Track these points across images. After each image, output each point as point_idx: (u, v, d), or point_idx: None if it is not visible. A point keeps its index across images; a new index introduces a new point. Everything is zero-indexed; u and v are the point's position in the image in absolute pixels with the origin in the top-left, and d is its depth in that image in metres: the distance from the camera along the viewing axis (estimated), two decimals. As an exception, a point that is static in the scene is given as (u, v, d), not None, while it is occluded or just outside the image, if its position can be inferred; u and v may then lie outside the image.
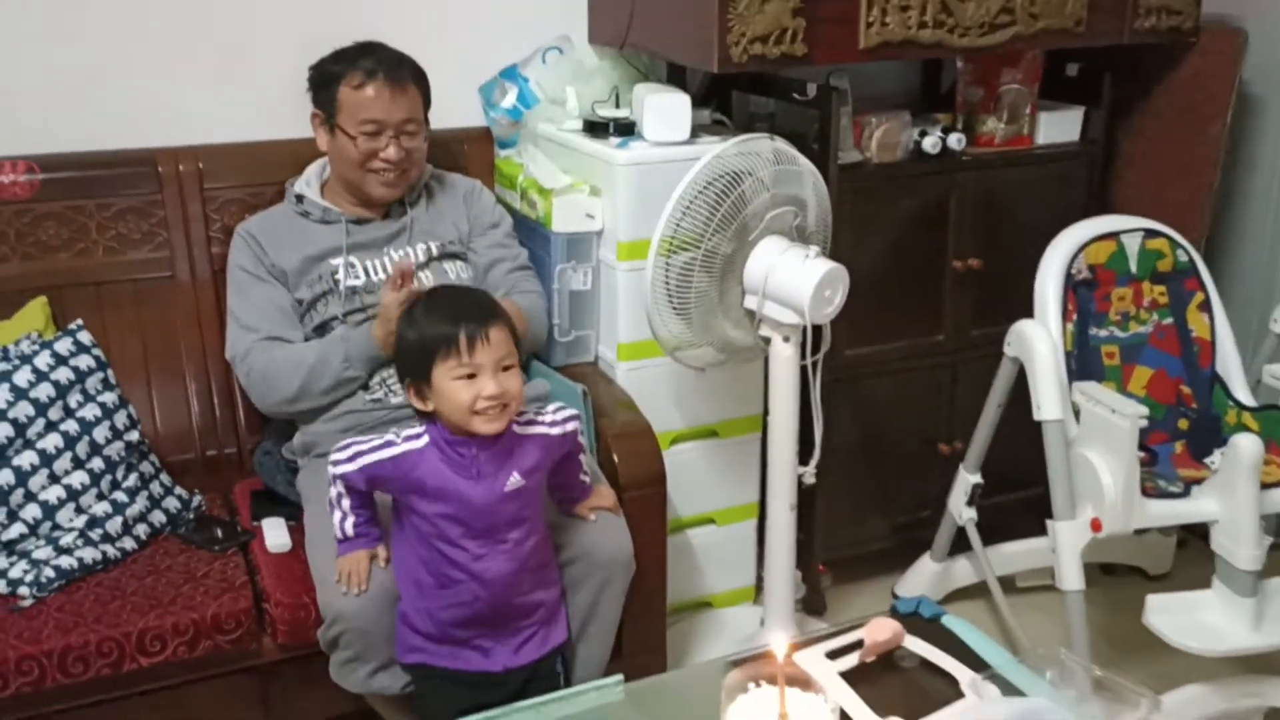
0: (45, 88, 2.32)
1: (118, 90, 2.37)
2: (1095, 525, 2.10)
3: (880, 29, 2.27)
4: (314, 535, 1.98)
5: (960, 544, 2.62)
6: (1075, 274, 2.32)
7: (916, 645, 1.61)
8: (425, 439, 1.77)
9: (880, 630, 1.58)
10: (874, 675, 1.58)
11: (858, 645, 1.61)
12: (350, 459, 1.78)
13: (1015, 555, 2.65)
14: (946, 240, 2.58)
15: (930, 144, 2.51)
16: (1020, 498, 2.66)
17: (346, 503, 1.82)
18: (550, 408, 1.91)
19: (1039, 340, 2.19)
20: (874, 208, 2.49)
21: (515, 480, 1.78)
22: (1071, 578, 2.13)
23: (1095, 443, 2.11)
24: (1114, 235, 2.37)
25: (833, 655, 1.61)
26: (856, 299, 2.40)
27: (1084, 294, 2.34)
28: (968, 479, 2.48)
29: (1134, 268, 2.38)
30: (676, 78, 2.62)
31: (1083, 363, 2.32)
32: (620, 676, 1.58)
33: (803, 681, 1.42)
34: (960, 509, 2.51)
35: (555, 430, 1.86)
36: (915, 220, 2.54)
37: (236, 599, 1.91)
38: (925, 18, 2.29)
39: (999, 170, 2.60)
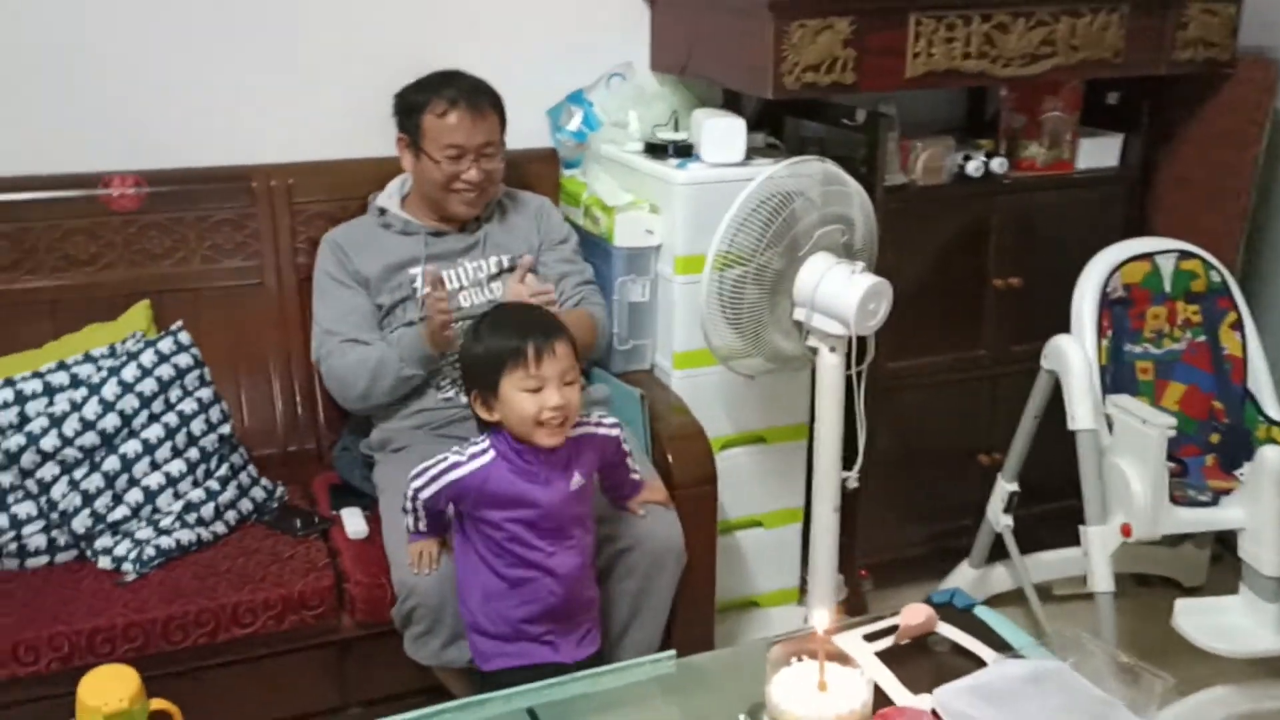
0: (154, 108, 2.52)
1: (218, 112, 2.57)
2: (1125, 530, 2.21)
3: (926, 59, 2.40)
4: (390, 523, 2.14)
5: (998, 551, 2.72)
6: (1110, 293, 2.44)
7: (948, 631, 1.73)
8: (492, 453, 1.88)
9: (914, 615, 1.70)
10: (908, 657, 1.70)
11: (893, 630, 1.73)
12: (428, 482, 1.88)
13: (1052, 563, 2.75)
14: (988, 259, 2.70)
15: (974, 168, 2.63)
16: (1058, 508, 2.75)
17: (420, 513, 1.95)
18: (595, 414, 2.05)
19: (1073, 354, 2.31)
20: (918, 227, 2.62)
21: (578, 480, 1.91)
22: (1102, 579, 2.24)
23: (1126, 452, 2.22)
24: (1149, 256, 2.48)
25: (870, 638, 1.73)
26: (900, 313, 2.53)
27: (1119, 312, 2.45)
28: (1005, 487, 2.59)
29: (1168, 287, 2.48)
30: (732, 103, 2.77)
31: (1117, 377, 2.43)
32: (673, 651, 1.71)
33: (840, 657, 1.55)
34: (998, 516, 2.61)
35: (602, 430, 1.98)
36: (958, 240, 2.67)
37: (320, 578, 2.07)
38: (969, 49, 2.42)
39: (1040, 193, 2.72)
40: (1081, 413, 2.26)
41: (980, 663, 1.66)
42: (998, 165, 2.66)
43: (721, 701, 1.59)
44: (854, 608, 2.79)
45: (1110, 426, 2.29)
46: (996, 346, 2.77)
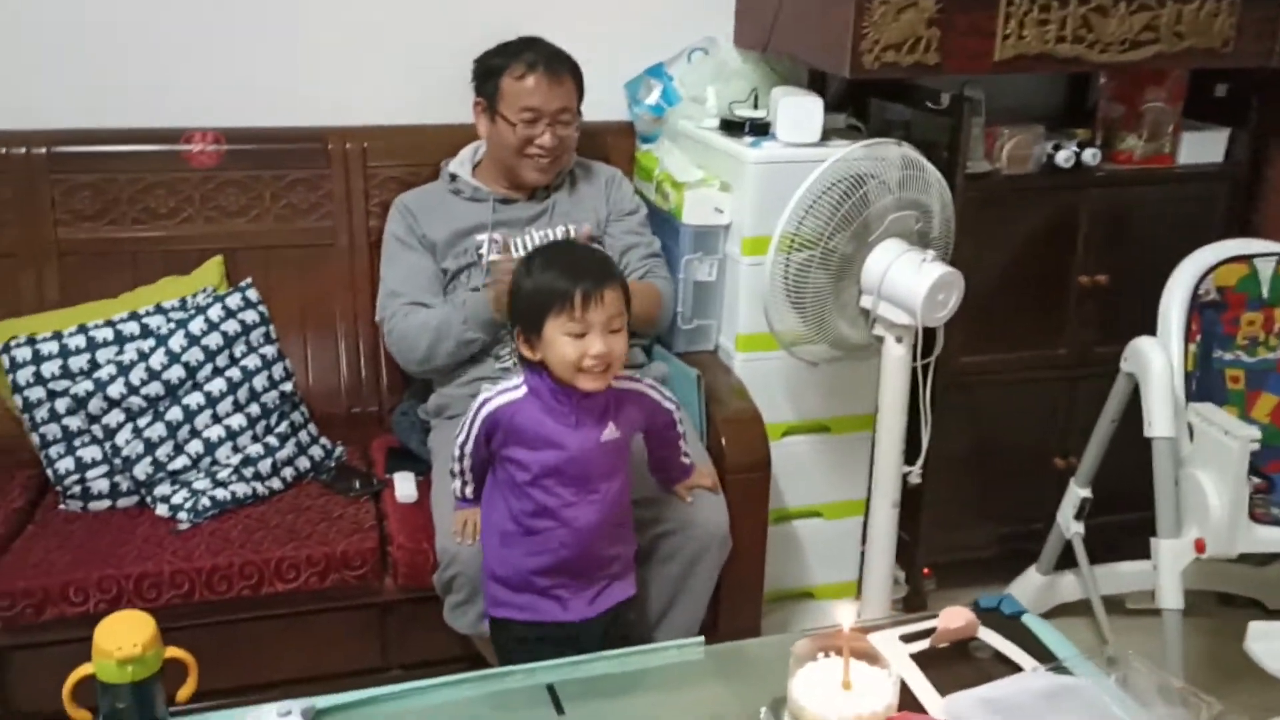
0: (236, 67, 2.56)
1: (298, 73, 2.59)
2: (1199, 546, 2.10)
3: (1017, 41, 2.30)
4: (439, 490, 2.14)
5: (1069, 559, 2.62)
6: (1203, 295, 2.31)
7: (991, 637, 1.65)
8: (524, 389, 1.85)
9: (954, 618, 1.63)
10: (946, 661, 1.63)
11: (932, 632, 1.67)
12: (466, 427, 1.88)
13: (1126, 575, 2.64)
14: (1074, 254, 2.59)
15: (1063, 158, 2.52)
16: (1136, 518, 2.61)
17: (466, 474, 1.95)
18: (653, 380, 2.00)
19: (1154, 357, 2.19)
20: (1001, 218, 2.52)
21: (611, 432, 1.86)
22: (1170, 595, 2.13)
23: (1205, 463, 2.10)
24: (1247, 258, 2.34)
25: (907, 639, 1.67)
26: (976, 306, 2.44)
27: (1210, 315, 2.32)
28: (1077, 493, 2.49)
29: (1266, 293, 2.34)
30: (817, 83, 2.70)
31: (1204, 384, 2.31)
32: (702, 638, 1.67)
33: (870, 656, 1.50)
34: (1068, 522, 2.51)
35: (655, 395, 1.94)
36: (1042, 233, 2.56)
37: (364, 539, 2.09)
38: (1064, 32, 2.31)
39: (1135, 188, 2.59)
40: (1159, 419, 2.15)
41: (1021, 671, 1.60)
42: (1090, 156, 2.54)
43: (746, 692, 1.55)
44: (914, 606, 2.72)
45: (1191, 435, 2.17)
46: (1079, 346, 2.66)
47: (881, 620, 1.71)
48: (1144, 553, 2.52)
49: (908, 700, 1.48)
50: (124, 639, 1.28)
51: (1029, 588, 2.68)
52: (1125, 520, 2.64)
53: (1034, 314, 2.62)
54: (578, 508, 1.86)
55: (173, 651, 1.34)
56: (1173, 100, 2.57)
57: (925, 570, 2.74)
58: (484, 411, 1.86)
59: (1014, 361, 2.64)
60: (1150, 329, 2.34)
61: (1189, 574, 2.62)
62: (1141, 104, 2.57)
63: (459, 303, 2.28)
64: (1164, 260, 2.40)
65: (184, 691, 1.37)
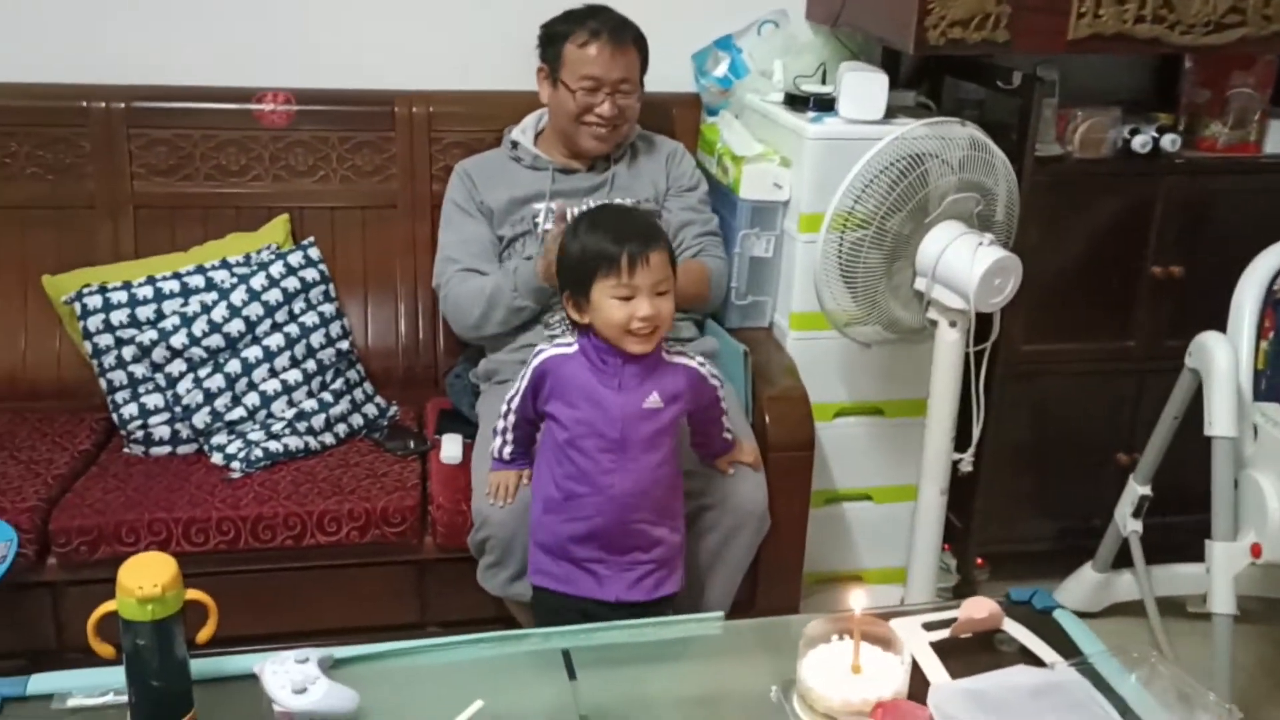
0: (308, 30, 2.61)
1: (367, 36, 2.63)
2: (1255, 551, 2.03)
3: (1093, 20, 2.22)
4: (481, 453, 2.17)
5: (1127, 558, 2.55)
6: (1278, 291, 2.21)
7: (1016, 630, 1.62)
8: (575, 347, 1.87)
9: (976, 608, 1.60)
10: (967, 652, 1.60)
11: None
12: (519, 383, 1.91)
13: (1184, 578, 2.54)
14: (1147, 244, 2.50)
15: (1140, 143, 2.43)
16: (1200, 520, 2.54)
17: (509, 432, 1.97)
18: (708, 365, 1.99)
19: (1219, 353, 2.11)
20: (1070, 203, 2.45)
21: (654, 400, 1.86)
22: (1222, 600, 2.06)
23: (1268, 466, 2.02)
24: (1329, 255, 2.23)
25: (930, 627, 1.64)
26: (1041, 294, 2.39)
27: (1285, 313, 2.22)
28: (1136, 490, 2.42)
29: (1348, 291, 2.24)
30: (890, 60, 2.65)
31: (1274, 384, 2.22)
32: (721, 613, 1.67)
33: (885, 641, 1.49)
34: (1125, 520, 2.44)
35: (703, 371, 1.93)
36: (1115, 220, 2.48)
37: (405, 497, 2.13)
38: (1144, 11, 2.23)
39: (1216, 176, 2.49)
40: (1220, 418, 2.07)
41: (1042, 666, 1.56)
42: (1169, 142, 2.44)
43: (759, 670, 1.55)
44: (965, 596, 2.66)
45: (1256, 436, 2.09)
46: (1148, 339, 2.57)
47: (902, 606, 1.68)
48: (1204, 555, 2.45)
49: (921, 688, 1.46)
50: (145, 579, 1.32)
51: (1083, 585, 2.62)
52: (1188, 521, 2.55)
53: (1102, 304, 2.54)
54: (614, 475, 1.86)
55: (193, 594, 1.38)
56: (1261, 87, 2.46)
57: (979, 560, 2.69)
58: (536, 361, 1.89)
59: (1079, 352, 2.57)
60: (1226, 324, 2.25)
61: (1258, 581, 2.53)
62: (1228, 89, 2.47)
63: (510, 270, 2.30)
64: (1244, 253, 2.30)
65: (203, 633, 1.41)
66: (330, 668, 1.47)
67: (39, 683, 1.43)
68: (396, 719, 1.44)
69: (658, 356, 1.88)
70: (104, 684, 1.42)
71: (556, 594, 1.93)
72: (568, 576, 1.91)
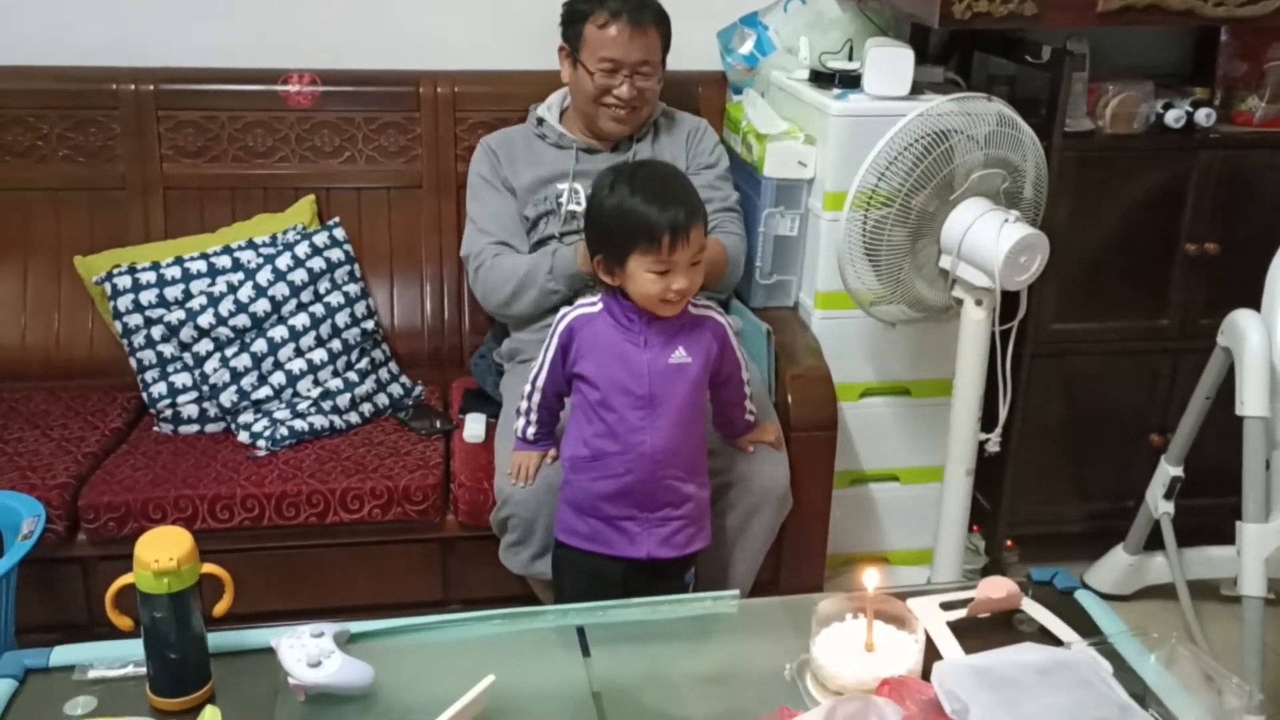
0: (333, 11, 2.62)
1: (391, 16, 2.64)
2: (1287, 533, 1.99)
3: (1124, -8, 2.18)
4: (504, 432, 2.17)
5: (1159, 540, 2.51)
6: (1314, 268, 2.16)
7: (1035, 610, 1.60)
8: (600, 306, 1.86)
9: (994, 588, 1.58)
10: (985, 632, 1.57)
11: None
12: (543, 353, 1.90)
13: (1219, 560, 2.50)
14: (1181, 221, 2.45)
15: (1173, 117, 2.38)
16: (1234, 501, 2.50)
17: (533, 412, 1.96)
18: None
19: (1251, 331, 2.07)
20: (1102, 179, 2.41)
21: (680, 355, 1.85)
22: (1252, 582, 2.03)
23: (1301, 447, 1.98)
24: (1368, 231, 2.18)
25: (948, 606, 1.62)
26: (1071, 272, 2.35)
27: (1322, 291, 2.17)
28: (1168, 471, 2.38)
29: (1386, 269, 2.18)
30: (919, 36, 2.61)
31: (1310, 363, 2.17)
32: (737, 591, 1.66)
33: (899, 619, 1.47)
34: (1157, 501, 2.41)
35: (725, 321, 1.92)
36: (1147, 196, 2.43)
37: (427, 476, 2.14)
38: (1178, -17, 2.18)
39: (1253, 151, 2.44)
40: (1251, 397, 2.03)
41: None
42: (1203, 117, 2.39)
43: (774, 649, 1.54)
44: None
45: (1290, 417, 2.05)
46: (1183, 318, 2.53)
47: (920, 586, 1.66)
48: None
49: (936, 667, 1.44)
50: (161, 552, 1.33)
51: (1115, 567, 2.59)
52: (1222, 503, 2.51)
53: (1135, 282, 2.50)
54: (645, 432, 1.85)
55: (209, 568, 1.39)
56: (1300, 59, 2.41)
57: (1009, 542, 2.67)
58: (563, 323, 1.88)
59: (1111, 331, 2.53)
60: (1260, 303, 2.20)
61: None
62: (1265, 62, 2.41)
63: (548, 253, 2.29)
64: (1281, 230, 2.26)
65: (220, 607, 1.43)
66: (346, 642, 1.48)
67: (61, 654, 1.45)
68: (411, 693, 1.44)
69: (684, 312, 1.87)
70: (124, 656, 1.43)
71: (581, 551, 1.92)
72: (595, 534, 1.90)
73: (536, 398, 1.95)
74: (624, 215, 1.78)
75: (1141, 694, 1.37)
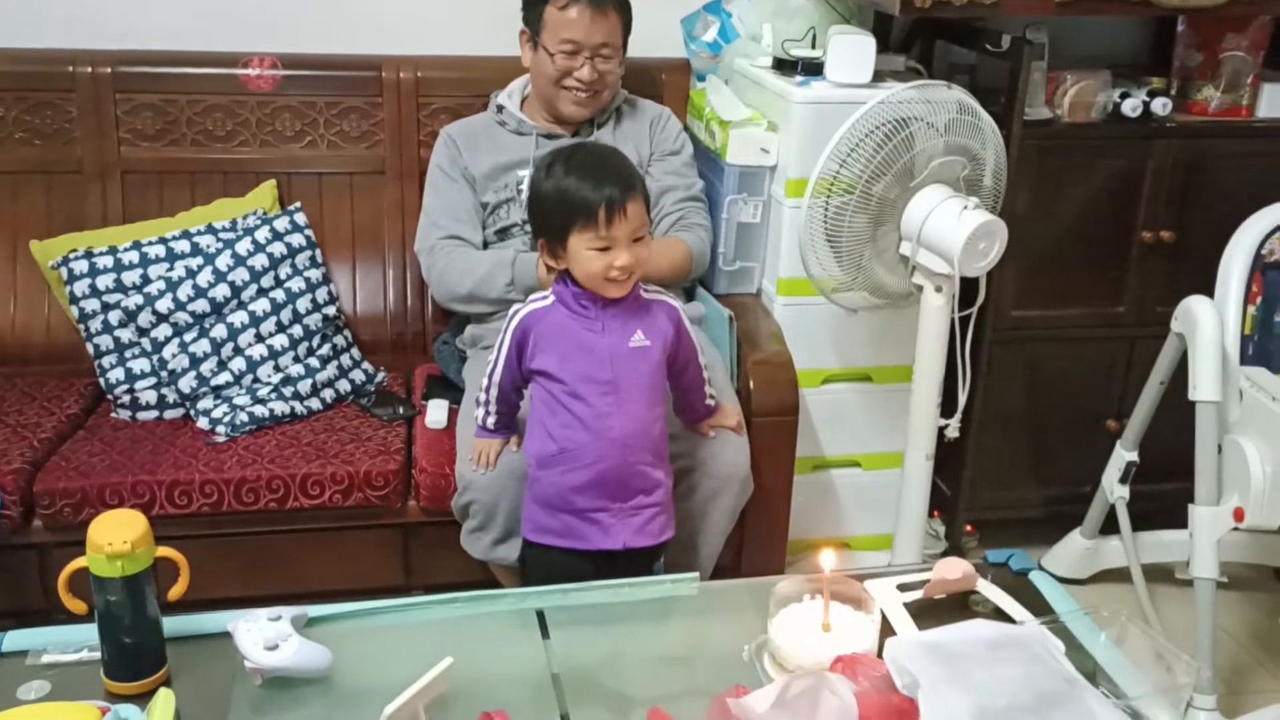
0: (295, -8, 2.60)
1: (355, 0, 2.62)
2: (1238, 515, 2.02)
3: (1083, -18, 2.20)
4: (465, 417, 2.17)
5: (1115, 524, 2.54)
6: (1267, 255, 2.20)
7: (990, 591, 1.62)
8: (552, 298, 1.86)
9: (950, 569, 1.60)
10: (942, 613, 1.59)
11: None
12: (497, 348, 1.89)
13: (1173, 544, 2.54)
14: (1137, 209, 2.49)
15: (1130, 107, 2.41)
16: (1189, 486, 2.54)
17: (492, 404, 1.95)
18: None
19: (1204, 318, 2.10)
20: (1059, 168, 2.43)
21: (640, 339, 1.85)
22: (1203, 564, 2.06)
23: (1252, 431, 2.02)
24: (1319, 219, 2.22)
25: (905, 588, 1.64)
26: (1030, 259, 2.37)
27: (1274, 277, 2.21)
28: (1123, 456, 2.41)
29: (1337, 256, 2.22)
30: (882, 24, 2.63)
31: (1262, 349, 2.20)
32: (697, 574, 1.67)
33: (856, 600, 1.49)
34: (1113, 485, 2.44)
35: (677, 303, 1.93)
36: (1104, 184, 2.46)
37: (388, 461, 2.13)
38: (1136, -28, 2.21)
39: (1208, 140, 2.47)
40: (1204, 382, 2.06)
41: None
42: (1159, 106, 2.42)
43: (734, 631, 1.55)
44: (952, 563, 2.67)
45: (1242, 400, 2.08)
46: (1139, 305, 2.56)
47: (877, 569, 1.68)
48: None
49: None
50: (115, 535, 1.33)
51: (1071, 551, 2.62)
52: (1176, 488, 2.55)
53: (1092, 269, 2.53)
54: (612, 418, 1.84)
55: (163, 551, 1.39)
56: (1254, 49, 2.44)
57: (969, 527, 2.69)
58: (515, 320, 1.87)
59: (1069, 318, 2.56)
60: (1214, 289, 2.23)
61: (1250, 548, 2.53)
62: (1220, 52, 2.44)
63: (507, 262, 2.26)
64: (1235, 218, 2.28)
65: (175, 591, 1.42)
66: (304, 626, 1.48)
67: (14, 639, 1.44)
68: (369, 676, 1.44)
69: (636, 297, 1.87)
70: (78, 640, 1.43)
71: (556, 549, 1.91)
72: (569, 529, 1.89)
73: (494, 392, 1.94)
74: (561, 195, 1.80)
75: (1092, 671, 1.39)
